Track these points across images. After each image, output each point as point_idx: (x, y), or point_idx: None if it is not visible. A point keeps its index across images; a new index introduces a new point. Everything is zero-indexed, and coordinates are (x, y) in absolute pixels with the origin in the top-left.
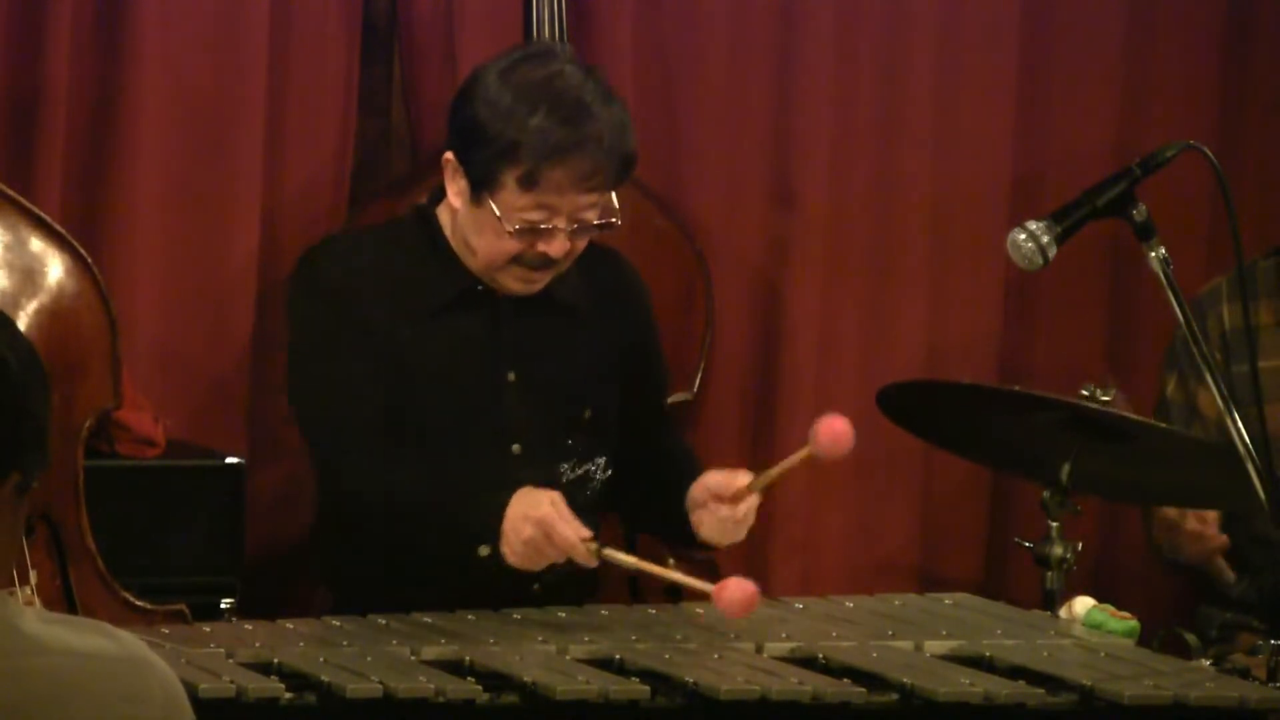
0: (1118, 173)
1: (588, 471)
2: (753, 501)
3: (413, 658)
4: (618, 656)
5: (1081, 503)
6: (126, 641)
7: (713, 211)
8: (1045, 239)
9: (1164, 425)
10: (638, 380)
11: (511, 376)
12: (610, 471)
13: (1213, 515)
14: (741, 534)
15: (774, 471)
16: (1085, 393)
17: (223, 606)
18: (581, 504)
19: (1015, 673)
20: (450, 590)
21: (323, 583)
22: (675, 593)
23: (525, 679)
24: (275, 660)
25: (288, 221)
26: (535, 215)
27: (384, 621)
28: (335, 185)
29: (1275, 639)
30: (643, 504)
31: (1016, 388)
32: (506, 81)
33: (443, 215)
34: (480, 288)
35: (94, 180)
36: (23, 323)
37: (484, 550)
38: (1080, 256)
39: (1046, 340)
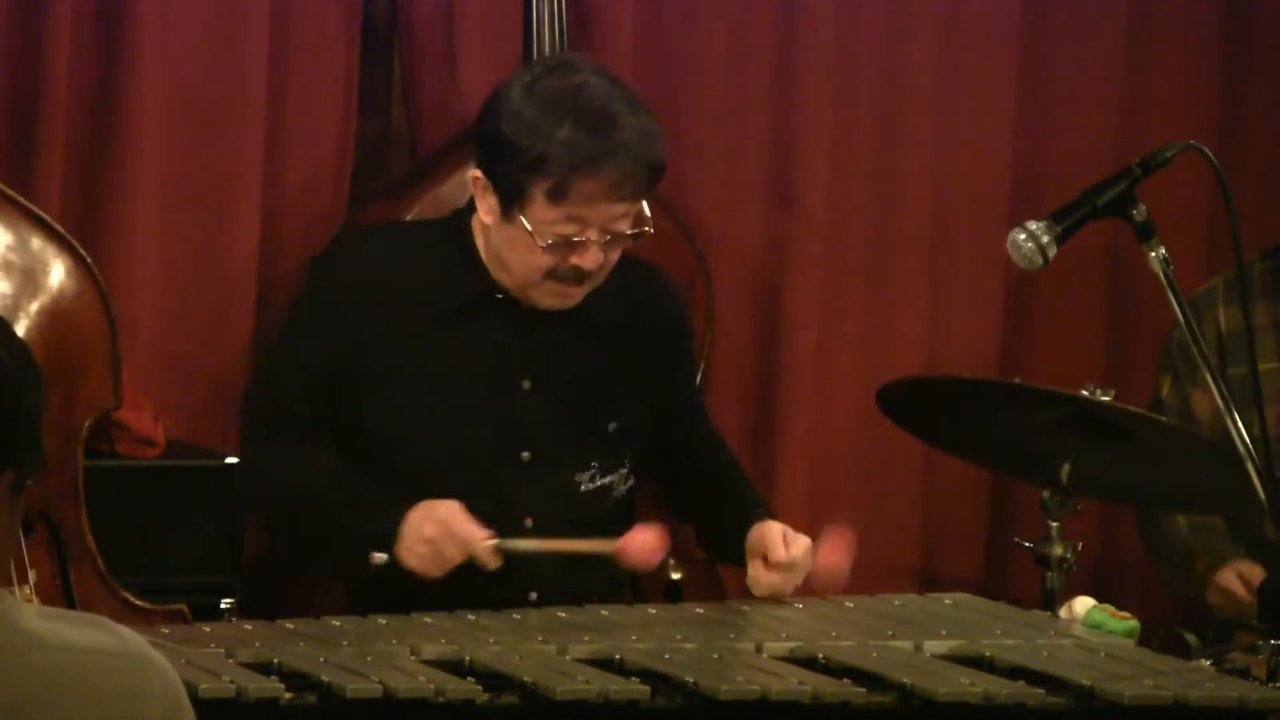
0: (1118, 173)
1: (610, 483)
2: (797, 563)
3: (413, 658)
4: (618, 656)
5: (1081, 503)
6: (127, 638)
7: (713, 211)
8: (1045, 239)
9: (1164, 421)
10: (672, 394)
11: (527, 384)
12: (632, 483)
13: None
14: (788, 590)
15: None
16: (1085, 393)
17: (223, 606)
18: (602, 515)
19: (1015, 673)
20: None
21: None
22: (675, 593)
23: (525, 679)
24: (275, 660)
25: (288, 221)
26: (566, 228)
27: (384, 621)
28: (335, 185)
29: (1275, 639)
30: (692, 519)
31: (1017, 379)
32: (530, 94)
33: (475, 225)
34: (500, 295)
35: (94, 180)
36: (23, 323)
37: (379, 557)
38: (1080, 256)
39: (1046, 341)
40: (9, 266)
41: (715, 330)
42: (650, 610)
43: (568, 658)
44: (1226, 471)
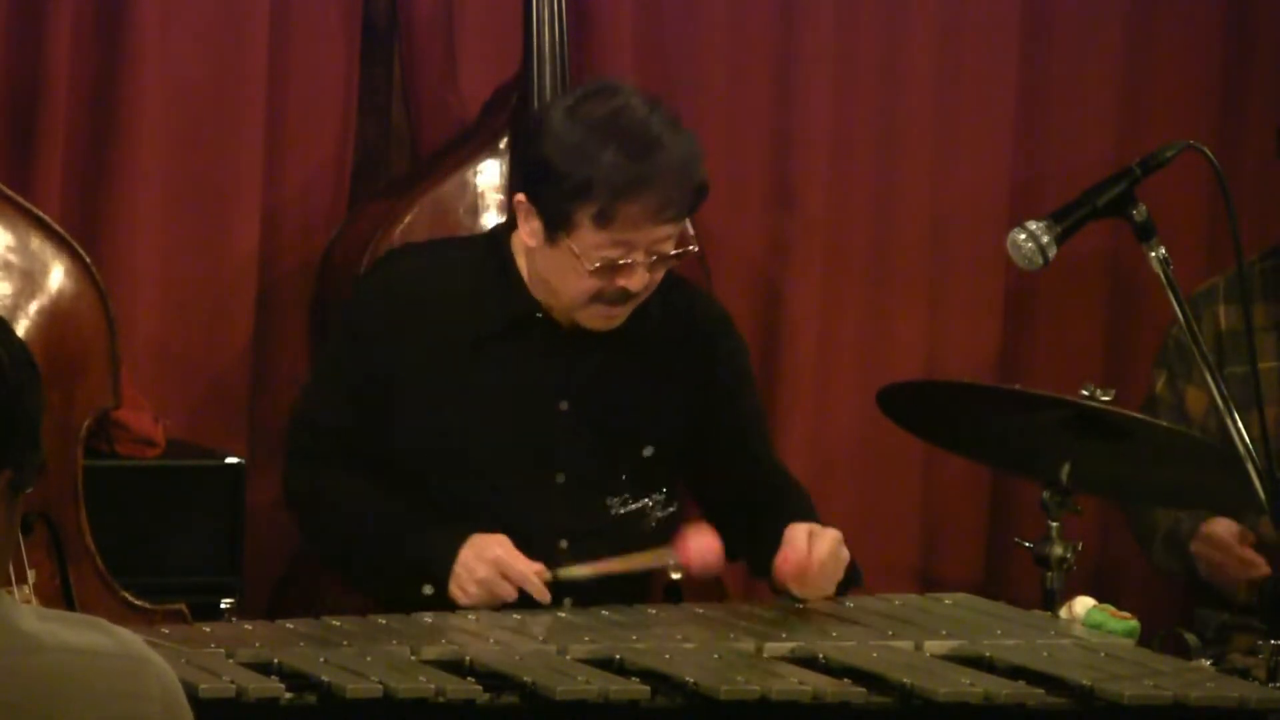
0: (1118, 173)
1: (643, 507)
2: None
3: (413, 658)
4: (618, 656)
5: (1081, 503)
6: (125, 638)
7: (713, 211)
8: (1045, 239)
9: (1164, 424)
10: (717, 418)
11: (564, 406)
12: (673, 508)
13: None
14: (826, 589)
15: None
16: (1085, 393)
17: (223, 606)
18: (637, 539)
19: (1015, 673)
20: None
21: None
22: (676, 593)
23: (525, 679)
24: (275, 660)
25: (288, 221)
26: (613, 252)
27: (384, 621)
28: (335, 185)
29: (1275, 639)
30: (738, 539)
31: (1017, 386)
32: (573, 119)
33: (515, 243)
34: (539, 314)
35: (94, 180)
36: (22, 322)
37: (428, 589)
38: (1080, 256)
39: (1046, 341)
40: (8, 266)
41: None
42: (650, 610)
43: (568, 658)
44: (1226, 471)
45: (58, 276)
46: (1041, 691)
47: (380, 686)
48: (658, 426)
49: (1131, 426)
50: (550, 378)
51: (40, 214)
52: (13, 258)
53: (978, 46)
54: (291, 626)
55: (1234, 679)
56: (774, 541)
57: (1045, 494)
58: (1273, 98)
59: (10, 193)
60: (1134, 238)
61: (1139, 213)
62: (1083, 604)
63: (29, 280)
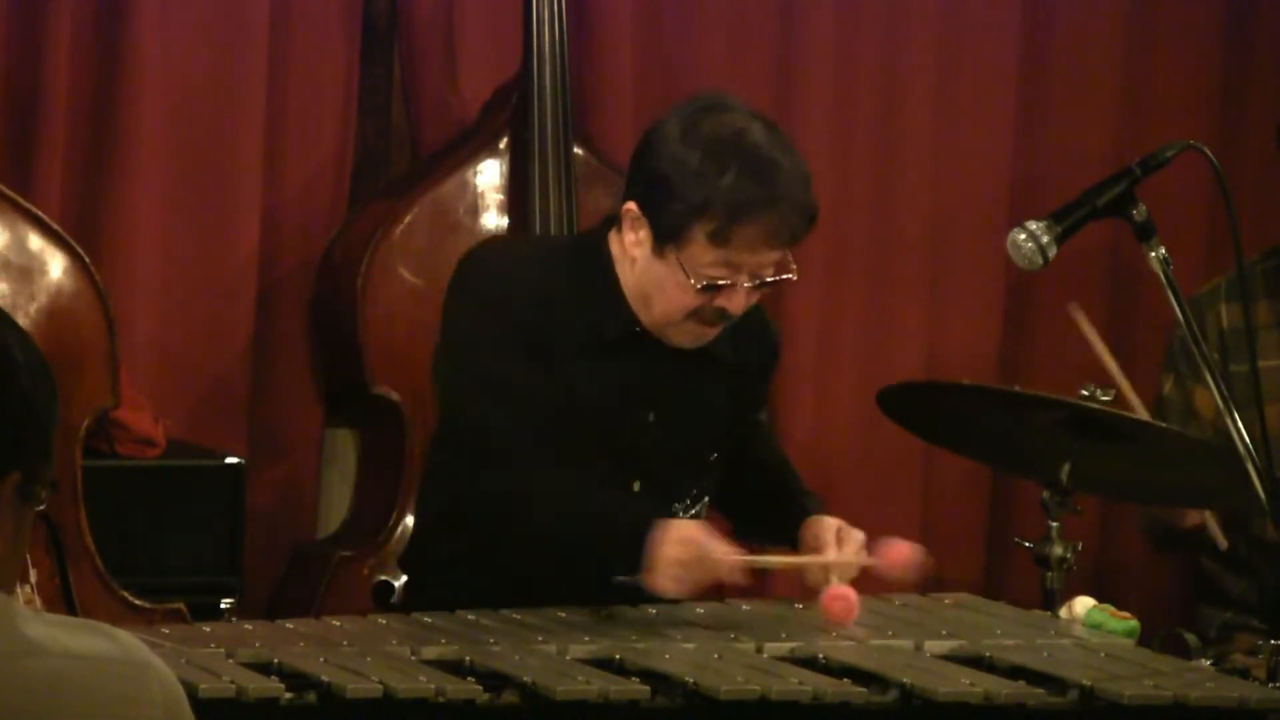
0: (1118, 173)
1: (698, 511)
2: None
3: (413, 658)
4: (618, 656)
5: (1081, 503)
6: (126, 643)
7: None
8: (1045, 239)
9: (1164, 425)
10: (745, 411)
11: (651, 417)
12: (705, 504)
13: None
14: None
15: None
16: (1085, 393)
17: (223, 606)
18: None
19: (1015, 673)
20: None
21: (403, 570)
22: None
23: (525, 679)
24: (275, 660)
25: (288, 221)
26: (720, 271)
27: (384, 621)
28: (335, 185)
29: (1275, 639)
30: (747, 518)
31: (1016, 387)
32: (692, 136)
33: (613, 247)
34: (638, 329)
35: (94, 180)
36: (21, 322)
37: (622, 578)
38: (1080, 256)
39: (1046, 341)
40: (7, 266)
41: None
42: (650, 610)
43: (568, 658)
44: (1226, 471)
45: (57, 276)
46: (1041, 691)
47: (380, 686)
48: (721, 432)
49: (1131, 427)
50: (641, 390)
51: (38, 213)
52: (12, 257)
53: (978, 46)
54: (291, 626)
55: (1234, 679)
56: (780, 514)
57: (1045, 494)
58: (1273, 98)
59: (9, 192)
60: (1134, 237)
61: (1139, 213)
62: (1083, 604)
63: (28, 279)
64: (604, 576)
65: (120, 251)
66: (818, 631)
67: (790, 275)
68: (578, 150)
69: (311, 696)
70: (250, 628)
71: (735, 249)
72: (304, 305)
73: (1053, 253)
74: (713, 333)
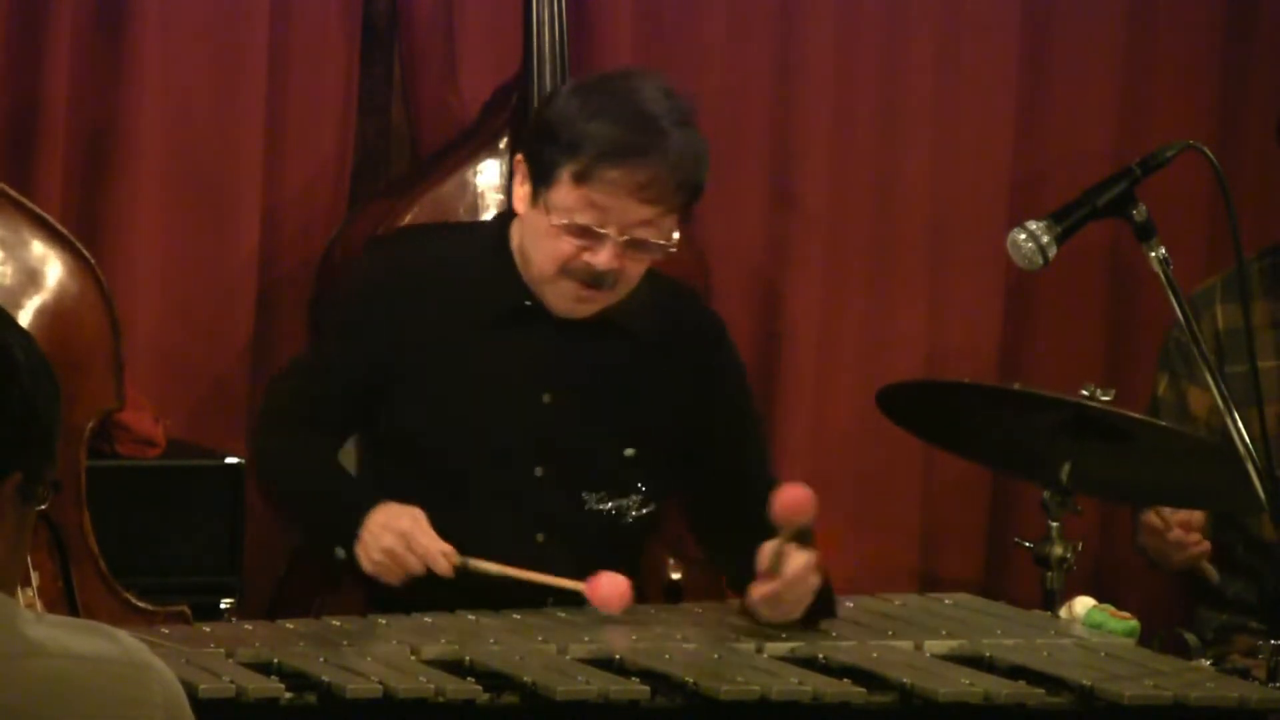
0: (1118, 173)
1: (621, 506)
2: (795, 578)
3: (413, 658)
4: (618, 656)
5: (1081, 503)
6: (127, 644)
7: (713, 211)
8: (1045, 239)
9: (1164, 424)
10: (714, 431)
11: (547, 399)
12: (651, 508)
13: (1197, 521)
14: (794, 611)
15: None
16: (1085, 393)
17: (223, 606)
18: (612, 537)
19: (1015, 673)
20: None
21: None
22: (675, 593)
23: (525, 679)
24: (275, 660)
25: (288, 221)
26: (585, 215)
27: (384, 621)
28: (335, 185)
29: (1274, 639)
30: (727, 556)
31: (1016, 385)
32: (583, 90)
33: (514, 226)
34: (529, 303)
35: (94, 180)
36: (25, 323)
37: (340, 552)
38: (1080, 256)
39: (1046, 341)
40: (11, 267)
41: None
42: (650, 610)
43: (568, 658)
44: (1226, 471)
45: (60, 277)
46: (1041, 691)
47: (380, 686)
48: (642, 428)
49: (1132, 427)
50: (536, 369)
51: (44, 215)
52: (15, 258)
53: (978, 46)
54: (291, 626)
55: (1234, 679)
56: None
57: (1045, 494)
58: (1273, 98)
59: (13, 193)
60: (1134, 237)
61: (1139, 213)
62: (1083, 604)
63: (32, 281)
64: (326, 550)
65: (120, 252)
66: (818, 632)
67: (668, 245)
68: None
69: (311, 696)
70: (250, 628)
71: (598, 190)
72: (304, 305)
73: (1053, 253)
74: (590, 297)
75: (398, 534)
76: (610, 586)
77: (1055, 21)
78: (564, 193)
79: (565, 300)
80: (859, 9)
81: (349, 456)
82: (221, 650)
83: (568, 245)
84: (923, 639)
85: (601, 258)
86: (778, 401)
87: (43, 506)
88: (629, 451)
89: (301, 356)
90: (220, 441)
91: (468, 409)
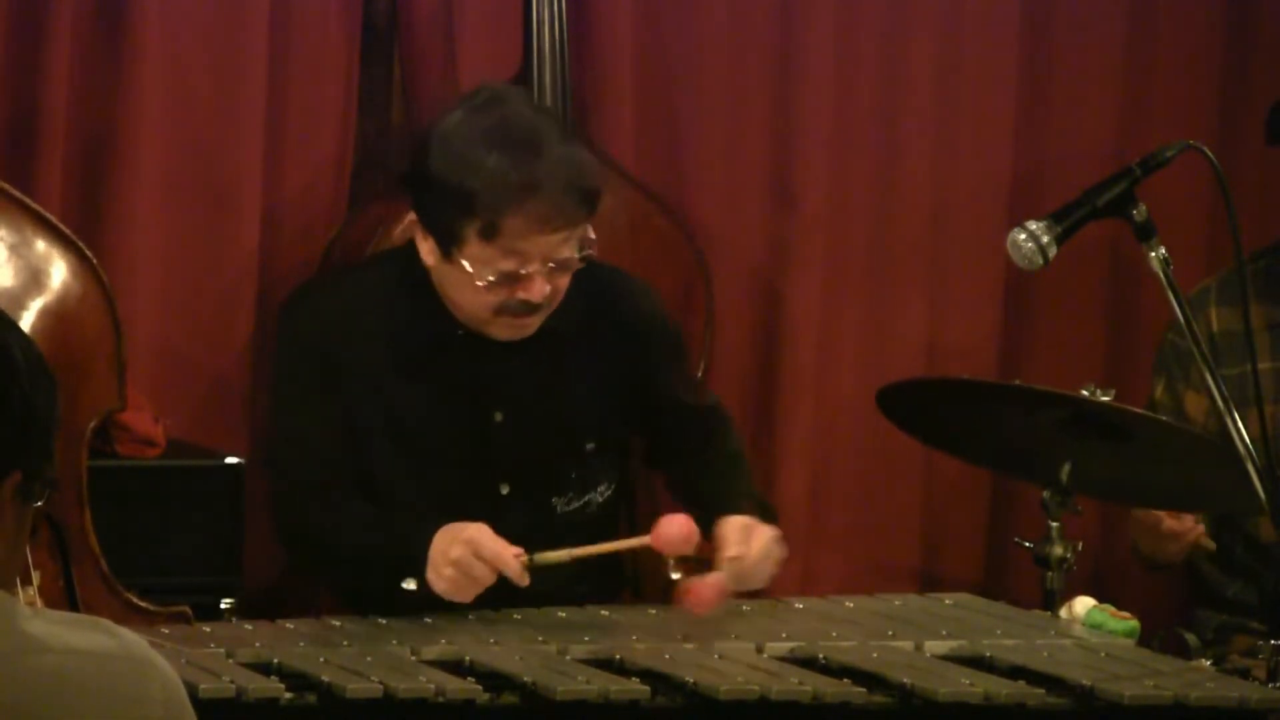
0: (1118, 173)
1: (588, 500)
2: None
3: (413, 658)
4: (618, 656)
5: (1081, 503)
6: (128, 640)
7: (713, 211)
8: (1045, 239)
9: (1165, 420)
10: (646, 396)
11: (499, 417)
12: (612, 489)
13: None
14: (756, 582)
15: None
16: (1085, 393)
17: (223, 606)
18: (581, 528)
19: (1015, 673)
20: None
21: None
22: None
23: (525, 679)
24: (275, 660)
25: (288, 221)
26: (506, 264)
27: (384, 621)
28: (335, 185)
29: (1274, 639)
30: (685, 491)
31: (1017, 381)
32: (455, 135)
33: (425, 255)
34: (462, 331)
35: (94, 180)
36: (27, 323)
37: (410, 584)
38: (1080, 256)
39: (1046, 340)
40: (14, 267)
41: (715, 330)
42: (650, 610)
43: (568, 658)
44: (1226, 471)
45: (62, 277)
46: (1041, 691)
47: (380, 686)
48: (596, 420)
49: (1132, 426)
50: (481, 391)
51: (47, 215)
52: (18, 258)
53: (978, 45)
54: (291, 626)
55: (1234, 679)
56: (709, 515)
57: (1045, 494)
58: (1273, 98)
59: (15, 193)
60: (1134, 237)
61: (1139, 213)
62: (1083, 604)
63: (34, 281)
64: (395, 585)
65: (120, 252)
66: (818, 631)
67: (589, 251)
68: None
69: (311, 696)
70: (250, 628)
71: (509, 240)
72: None
73: (1053, 253)
74: (528, 322)
75: (464, 542)
76: (674, 528)
77: (1055, 21)
78: (475, 250)
79: (504, 331)
80: (859, 9)
81: None
82: (221, 650)
83: (496, 294)
84: (923, 639)
85: (533, 292)
86: (778, 401)
87: (40, 504)
88: (590, 445)
89: (278, 433)
90: (220, 441)
91: (423, 441)
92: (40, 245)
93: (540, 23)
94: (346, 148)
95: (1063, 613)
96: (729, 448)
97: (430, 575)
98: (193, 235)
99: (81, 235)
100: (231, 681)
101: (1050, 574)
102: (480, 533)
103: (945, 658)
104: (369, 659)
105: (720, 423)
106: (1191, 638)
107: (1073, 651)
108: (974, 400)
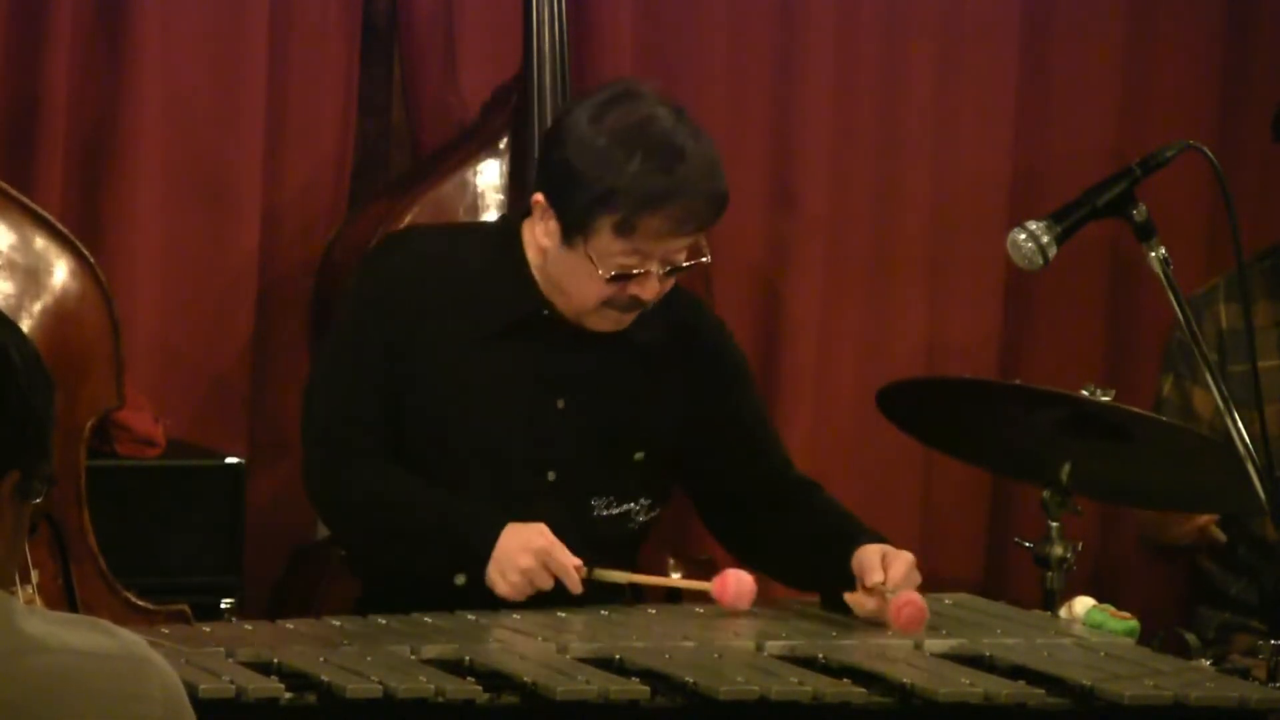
0: (1118, 173)
1: (628, 511)
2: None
3: (413, 658)
4: (618, 656)
5: (1081, 502)
6: (127, 640)
7: None
8: (1045, 239)
9: (1164, 420)
10: (722, 421)
11: (560, 404)
12: (656, 513)
13: None
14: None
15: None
16: (1085, 393)
17: (223, 606)
18: (617, 541)
19: (1015, 673)
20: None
21: (353, 572)
22: (674, 593)
23: (525, 679)
24: (275, 660)
25: (288, 221)
26: (629, 260)
27: (384, 621)
28: (335, 185)
29: (1275, 639)
30: (761, 546)
31: (1017, 381)
32: (599, 125)
33: (526, 234)
34: (546, 312)
35: (94, 180)
36: (26, 323)
37: (461, 579)
38: (1080, 256)
39: (1046, 340)
40: (12, 266)
41: None
42: (650, 610)
43: (568, 658)
44: (1226, 471)
45: (61, 276)
46: (1041, 691)
47: (380, 686)
48: (650, 432)
49: (1132, 426)
50: (549, 375)
51: (45, 214)
52: (17, 257)
53: (978, 45)
54: (291, 626)
55: (1234, 679)
56: (833, 554)
57: (1045, 494)
58: (1273, 98)
59: (14, 192)
60: (1134, 237)
61: (1139, 213)
62: (1083, 604)
63: (33, 280)
64: (439, 571)
65: (120, 251)
66: (818, 632)
67: (704, 259)
68: None
69: (311, 696)
70: (250, 628)
71: (642, 239)
72: (304, 305)
73: (1053, 253)
74: (629, 318)
75: (535, 552)
76: (738, 584)
77: (1055, 21)
78: (605, 243)
79: (606, 324)
80: (859, 9)
81: None
82: (221, 650)
83: (613, 287)
84: (923, 639)
85: (647, 291)
86: (778, 401)
87: (38, 502)
88: (638, 455)
89: (326, 382)
90: (220, 441)
91: (480, 415)
92: (39, 245)
93: (540, 23)
94: (346, 148)
95: (1063, 613)
96: (837, 505)
97: (493, 574)
98: (193, 235)
99: (81, 235)
100: (231, 681)
101: (1050, 574)
102: (551, 543)
103: (945, 657)
104: (369, 659)
105: (809, 481)
106: (1191, 637)
107: (1073, 651)
108: (974, 400)
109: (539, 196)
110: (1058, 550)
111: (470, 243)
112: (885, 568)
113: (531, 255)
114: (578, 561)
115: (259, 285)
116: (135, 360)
